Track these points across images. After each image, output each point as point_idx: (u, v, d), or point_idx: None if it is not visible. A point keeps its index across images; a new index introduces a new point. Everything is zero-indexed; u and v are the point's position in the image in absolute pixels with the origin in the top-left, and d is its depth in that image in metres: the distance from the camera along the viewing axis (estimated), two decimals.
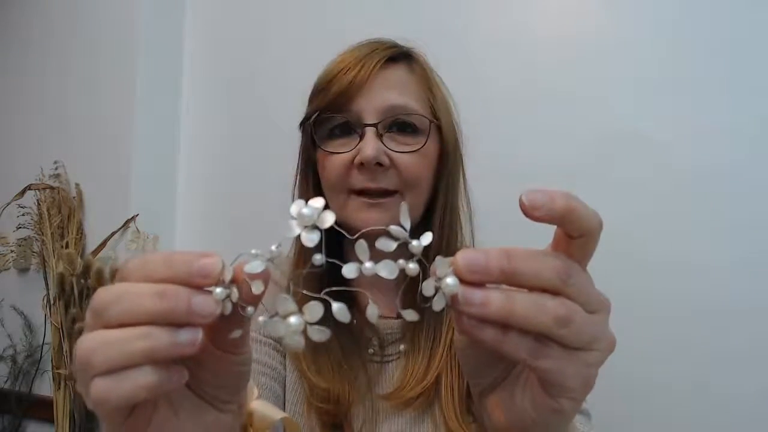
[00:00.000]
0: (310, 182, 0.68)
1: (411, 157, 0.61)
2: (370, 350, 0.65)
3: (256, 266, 0.28)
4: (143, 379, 0.27)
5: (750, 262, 0.99)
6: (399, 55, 0.66)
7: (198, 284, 0.28)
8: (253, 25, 1.52)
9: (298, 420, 0.61)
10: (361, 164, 0.60)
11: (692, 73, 1.06)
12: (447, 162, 0.66)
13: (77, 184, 1.52)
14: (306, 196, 0.63)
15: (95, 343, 0.28)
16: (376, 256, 0.29)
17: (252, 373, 0.60)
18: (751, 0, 1.02)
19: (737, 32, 1.03)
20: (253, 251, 0.28)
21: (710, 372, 0.99)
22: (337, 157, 0.62)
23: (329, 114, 0.62)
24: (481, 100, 1.18)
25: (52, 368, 1.39)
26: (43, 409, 1.44)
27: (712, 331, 1.00)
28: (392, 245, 0.29)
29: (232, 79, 1.54)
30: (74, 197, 1.51)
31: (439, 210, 0.65)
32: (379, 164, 0.60)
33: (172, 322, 0.28)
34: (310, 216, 0.29)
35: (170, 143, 1.57)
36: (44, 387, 1.51)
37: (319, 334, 0.28)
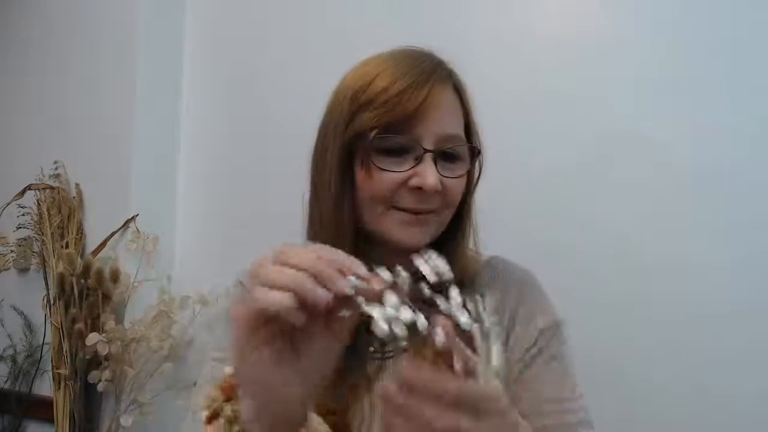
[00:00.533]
0: (349, 193, 0.65)
1: (455, 182, 0.64)
2: (371, 348, 0.66)
3: (385, 276, 0.40)
4: (283, 299, 0.39)
5: (750, 262, 0.99)
6: (451, 77, 0.67)
7: (342, 271, 0.40)
8: (253, 25, 1.52)
9: None
10: (418, 188, 0.61)
11: (692, 73, 1.06)
12: (473, 181, 0.69)
13: (77, 184, 1.52)
14: (347, 209, 0.65)
15: (269, 268, 0.41)
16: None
17: None
18: (751, 0, 1.02)
19: (737, 32, 1.03)
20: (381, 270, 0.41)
21: (709, 373, 0.99)
22: (390, 174, 0.62)
23: (392, 133, 0.61)
24: (480, 101, 1.18)
25: (52, 368, 1.39)
26: (43, 409, 1.44)
27: (712, 332, 1.00)
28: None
29: (232, 79, 1.54)
30: (74, 197, 1.51)
31: (461, 221, 0.69)
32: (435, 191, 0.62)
33: (319, 281, 0.39)
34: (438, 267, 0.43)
35: (170, 143, 1.57)
36: (44, 387, 1.51)
37: (398, 328, 0.37)
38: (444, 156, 0.63)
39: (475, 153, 0.67)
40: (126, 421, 1.31)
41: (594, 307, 1.04)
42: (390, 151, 0.62)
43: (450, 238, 0.68)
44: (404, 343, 0.37)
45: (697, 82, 1.05)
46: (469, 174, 0.68)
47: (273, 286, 0.39)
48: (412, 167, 0.62)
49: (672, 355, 1.02)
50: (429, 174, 0.61)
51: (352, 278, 0.40)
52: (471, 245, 0.72)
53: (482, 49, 1.22)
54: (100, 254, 1.43)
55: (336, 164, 0.65)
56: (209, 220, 1.53)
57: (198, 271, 1.49)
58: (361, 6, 1.37)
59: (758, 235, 0.99)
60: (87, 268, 1.34)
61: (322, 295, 0.38)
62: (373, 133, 0.62)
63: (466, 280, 0.69)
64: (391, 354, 0.66)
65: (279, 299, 0.39)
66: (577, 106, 1.13)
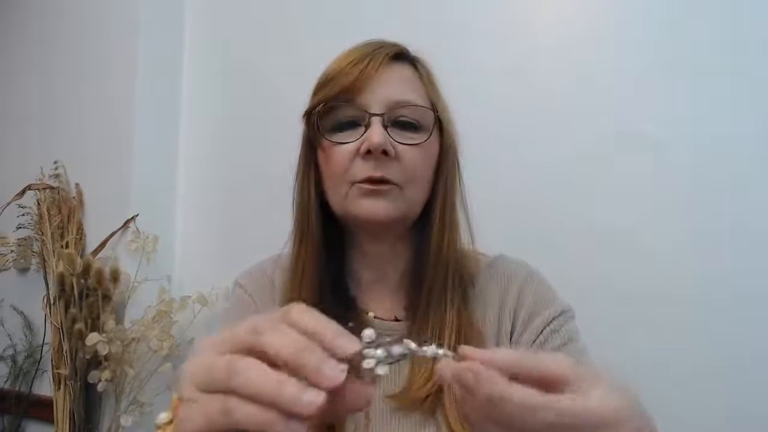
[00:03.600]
0: (312, 175, 0.68)
1: (414, 151, 0.62)
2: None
3: (367, 333, 0.34)
4: (266, 418, 0.30)
5: (751, 260, 0.99)
6: (405, 55, 0.67)
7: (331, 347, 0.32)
8: (253, 25, 1.52)
9: None
10: (368, 152, 0.60)
11: (693, 73, 1.05)
12: (447, 159, 0.67)
13: (77, 184, 1.52)
14: (307, 189, 0.67)
15: (245, 366, 0.31)
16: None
17: None
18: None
19: (738, 32, 1.03)
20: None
21: (710, 370, 0.99)
22: (343, 147, 0.62)
23: (336, 104, 0.63)
24: (480, 101, 1.18)
25: (52, 368, 1.38)
26: (43, 409, 1.44)
27: (712, 329, 1.00)
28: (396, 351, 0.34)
29: (233, 78, 1.54)
30: (74, 197, 1.51)
31: (438, 207, 0.66)
32: (385, 153, 0.61)
33: (302, 375, 0.30)
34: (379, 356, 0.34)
35: (170, 143, 1.56)
36: (44, 387, 1.51)
37: (382, 370, 0.33)
38: (400, 125, 0.63)
39: (436, 121, 0.65)
40: (126, 421, 1.31)
41: (593, 307, 1.04)
42: (341, 127, 0.63)
43: (423, 224, 0.66)
44: (400, 349, 0.34)
45: (697, 81, 1.05)
46: (441, 152, 0.66)
47: (251, 397, 0.30)
48: (362, 135, 0.61)
49: (672, 353, 1.02)
50: (374, 134, 0.60)
51: (379, 351, 0.33)
52: (467, 240, 0.70)
53: (480, 48, 1.22)
54: (100, 254, 1.43)
55: (301, 151, 0.69)
56: (209, 220, 1.53)
57: (198, 271, 1.49)
58: (361, 4, 1.37)
59: (759, 234, 0.99)
60: (87, 268, 1.34)
61: (308, 402, 0.30)
62: (319, 107, 0.63)
63: (452, 278, 0.66)
64: (388, 360, 0.65)
65: (262, 419, 0.30)
66: (576, 105, 1.13)
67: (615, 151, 1.09)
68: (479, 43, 1.23)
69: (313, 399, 0.30)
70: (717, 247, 1.01)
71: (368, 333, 0.33)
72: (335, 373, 0.30)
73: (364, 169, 0.61)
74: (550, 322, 0.64)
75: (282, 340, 0.31)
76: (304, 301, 0.62)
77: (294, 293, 0.64)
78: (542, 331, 0.64)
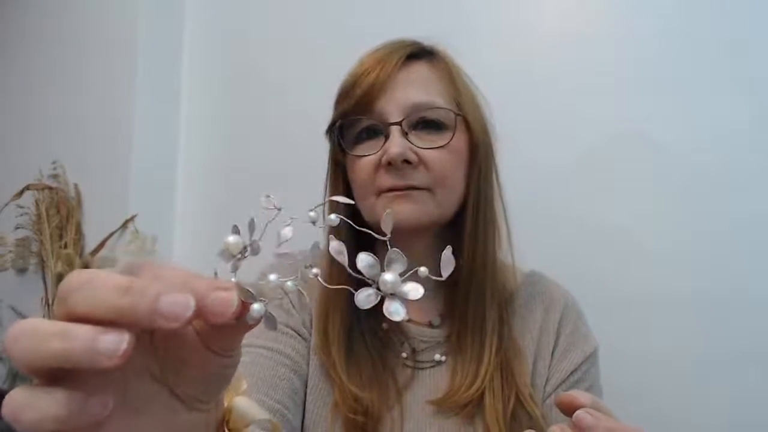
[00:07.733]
0: (341, 186, 0.67)
1: (439, 154, 0.60)
2: (404, 354, 0.64)
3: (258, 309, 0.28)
4: (51, 406, 0.21)
5: (751, 260, 0.99)
6: (420, 53, 0.65)
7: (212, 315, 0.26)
8: (253, 25, 1.52)
9: (320, 425, 0.61)
10: (389, 164, 0.59)
11: (693, 73, 1.05)
12: (477, 156, 0.64)
13: (76, 185, 1.51)
14: (335, 202, 0.66)
15: (20, 330, 0.22)
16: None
17: (273, 363, 0.60)
18: None
19: (738, 31, 1.03)
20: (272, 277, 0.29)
21: (710, 372, 0.99)
22: (366, 159, 0.61)
23: (354, 117, 0.62)
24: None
25: None
26: None
27: (712, 331, 1.00)
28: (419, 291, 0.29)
29: (232, 78, 1.53)
30: (73, 197, 1.50)
31: (471, 207, 0.64)
32: (407, 162, 0.59)
33: (135, 323, 0.22)
34: (236, 244, 0.30)
35: (169, 143, 1.56)
36: None
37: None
38: (423, 126, 0.61)
39: (460, 120, 0.62)
40: None
41: (593, 306, 1.04)
42: (363, 137, 0.62)
43: (458, 224, 0.64)
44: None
45: (697, 81, 1.05)
46: (471, 149, 0.64)
47: (32, 368, 0.22)
48: (383, 145, 0.60)
49: (672, 354, 1.02)
50: (392, 145, 0.59)
51: (256, 306, 0.28)
52: (504, 240, 0.69)
53: (480, 48, 1.22)
54: (99, 254, 1.42)
55: (329, 164, 0.67)
56: (208, 220, 1.52)
57: (197, 272, 1.49)
58: (360, 2, 1.37)
59: (759, 235, 0.99)
60: (86, 269, 1.34)
61: (108, 350, 0.21)
62: (339, 123, 0.63)
63: (490, 285, 0.65)
64: (423, 365, 0.64)
65: (37, 415, 0.21)
66: (577, 105, 1.13)
67: (615, 151, 1.09)
68: (479, 42, 1.22)
69: (112, 345, 0.21)
70: (717, 247, 1.01)
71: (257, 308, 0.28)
72: (178, 304, 0.23)
73: (388, 179, 0.60)
74: (588, 358, 0.66)
75: (96, 290, 0.23)
76: (338, 302, 0.62)
77: (327, 296, 0.64)
78: (580, 366, 0.65)
